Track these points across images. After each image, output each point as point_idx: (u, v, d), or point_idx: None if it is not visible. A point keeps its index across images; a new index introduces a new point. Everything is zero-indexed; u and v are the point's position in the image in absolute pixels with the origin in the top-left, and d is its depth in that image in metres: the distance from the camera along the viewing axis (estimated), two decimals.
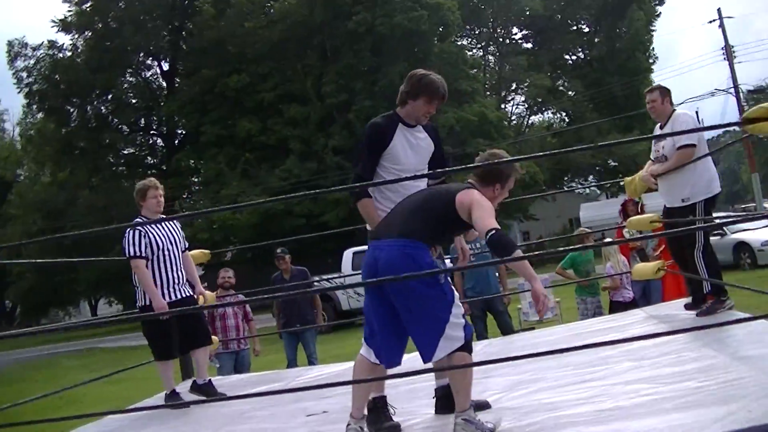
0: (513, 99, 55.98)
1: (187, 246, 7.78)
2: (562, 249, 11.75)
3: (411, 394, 5.88)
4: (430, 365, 4.78)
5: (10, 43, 45.92)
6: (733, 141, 17.74)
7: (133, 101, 47.53)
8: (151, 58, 47.39)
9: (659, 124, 7.43)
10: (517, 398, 5.54)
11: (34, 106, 47.04)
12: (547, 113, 57.62)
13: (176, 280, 7.39)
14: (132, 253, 7.19)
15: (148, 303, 7.25)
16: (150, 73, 48.31)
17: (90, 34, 45.01)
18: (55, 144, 45.29)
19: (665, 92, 7.61)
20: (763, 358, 5.03)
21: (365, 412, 4.95)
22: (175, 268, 7.39)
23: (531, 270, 4.57)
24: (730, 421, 3.87)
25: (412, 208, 4.83)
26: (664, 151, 7.33)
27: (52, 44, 46.00)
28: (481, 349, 8.37)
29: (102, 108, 46.81)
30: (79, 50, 45.84)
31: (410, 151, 5.39)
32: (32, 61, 46.10)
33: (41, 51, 46.17)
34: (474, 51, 53.38)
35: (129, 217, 26.37)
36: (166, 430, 6.74)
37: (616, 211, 43.71)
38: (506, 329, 10.86)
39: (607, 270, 10.76)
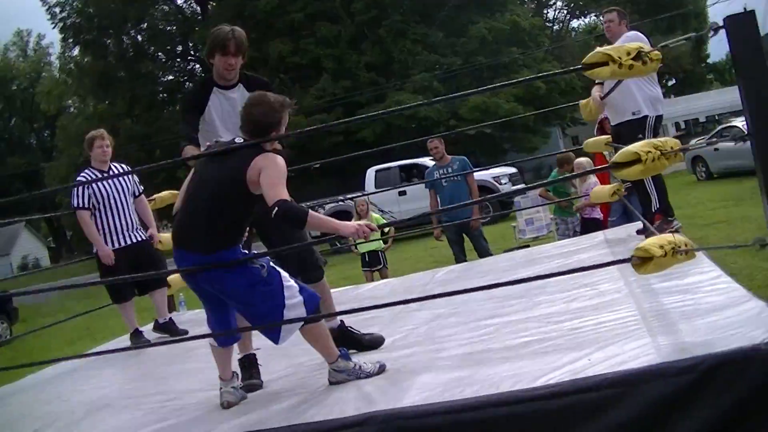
0: (554, 3, 54.91)
1: (141, 190, 7.99)
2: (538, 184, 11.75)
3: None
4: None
5: None
6: None
7: (169, 28, 47.53)
8: None
9: None
10: (421, 334, 5.69)
11: (70, 40, 47.26)
12: (590, 17, 56.43)
13: (125, 227, 7.70)
14: (75, 205, 7.55)
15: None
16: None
17: None
18: (94, 76, 45.61)
19: (622, 14, 7.65)
20: (667, 292, 5.05)
21: (233, 371, 5.01)
22: (123, 215, 7.67)
23: (331, 223, 4.45)
24: (566, 371, 3.87)
25: (204, 214, 4.52)
26: None
27: None
28: (441, 276, 8.55)
29: (138, 37, 46.99)
30: None
31: (222, 113, 5.38)
32: None
33: None
34: None
35: (170, 145, 26.84)
36: (118, 370, 7.01)
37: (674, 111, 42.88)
38: (482, 252, 11.00)
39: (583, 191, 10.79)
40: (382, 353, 5.32)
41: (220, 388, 4.87)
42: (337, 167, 36.44)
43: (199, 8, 47.77)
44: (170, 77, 49.25)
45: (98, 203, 7.57)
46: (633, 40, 7.11)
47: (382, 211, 23.75)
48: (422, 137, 23.06)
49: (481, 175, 23.06)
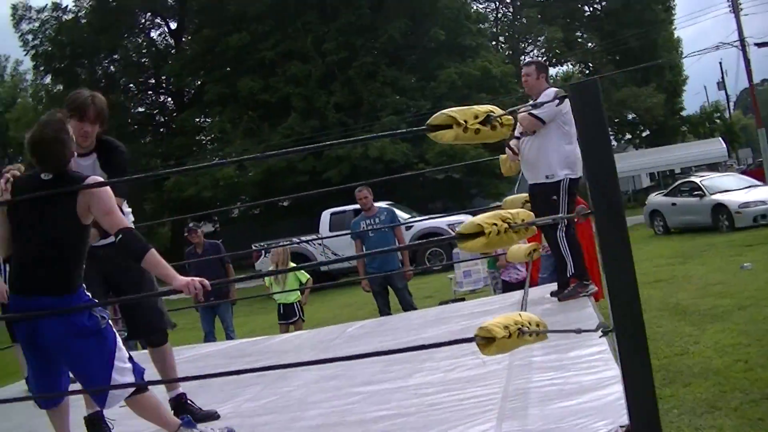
0: (531, 52, 55.16)
1: None
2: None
3: None
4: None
5: (14, 7, 45.83)
6: None
7: (142, 60, 47.41)
8: (159, 18, 47.13)
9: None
10: (292, 398, 5.52)
11: (41, 68, 47.00)
12: (566, 65, 56.84)
13: None
14: None
15: None
16: (158, 32, 48.15)
17: None
18: (63, 105, 45.22)
19: (541, 68, 7.40)
20: (543, 367, 4.84)
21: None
22: None
23: (167, 270, 4.16)
24: None
25: (41, 252, 4.21)
26: (521, 128, 7.10)
27: (56, 6, 46.00)
28: (352, 330, 8.33)
29: (110, 68, 46.84)
30: (82, 12, 45.78)
31: None
32: (37, 24, 46.09)
33: (45, 13, 46.17)
34: (485, 3, 52.48)
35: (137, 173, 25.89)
36: None
37: (627, 165, 43.09)
38: (406, 305, 10.77)
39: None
40: (244, 418, 5.15)
41: None
42: (303, 207, 36.43)
43: (172, 41, 47.60)
44: (141, 109, 48.99)
45: None
46: (548, 94, 6.89)
47: (335, 254, 23.53)
48: (386, 177, 23.24)
49: (435, 222, 22.93)
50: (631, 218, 28.93)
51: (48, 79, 48.37)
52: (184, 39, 47.16)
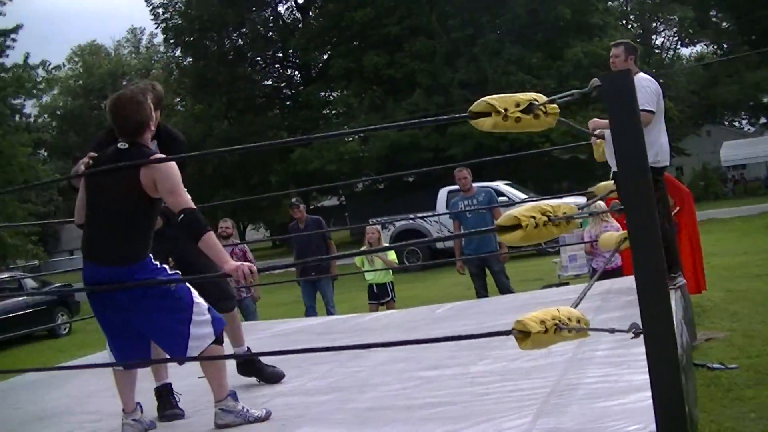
0: (662, 32, 53.78)
1: None
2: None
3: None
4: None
5: None
6: None
7: (269, 34, 47.97)
8: None
9: None
10: (357, 379, 5.54)
11: (172, 41, 48.08)
12: (699, 46, 55.27)
13: None
14: None
15: None
16: (286, 6, 48.70)
17: None
18: (193, 77, 46.42)
19: (630, 50, 7.07)
20: (601, 362, 4.74)
21: (136, 403, 4.82)
22: None
23: (220, 254, 4.23)
24: None
25: (108, 221, 4.37)
26: None
27: None
28: (441, 312, 8.32)
29: (239, 41, 47.54)
30: None
31: None
32: None
33: None
34: None
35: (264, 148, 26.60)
36: (88, 381, 6.90)
37: (762, 151, 41.66)
38: (502, 288, 10.66)
39: (585, 236, 10.31)
40: (304, 396, 5.24)
41: (122, 420, 4.72)
42: (427, 183, 36.33)
43: (299, 15, 48.04)
44: (268, 82, 49.65)
45: None
46: (642, 84, 6.65)
47: (450, 232, 23.44)
48: (510, 155, 23.01)
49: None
50: (761, 206, 28.03)
51: (178, 52, 49.48)
52: (310, 13, 47.49)
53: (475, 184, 11.38)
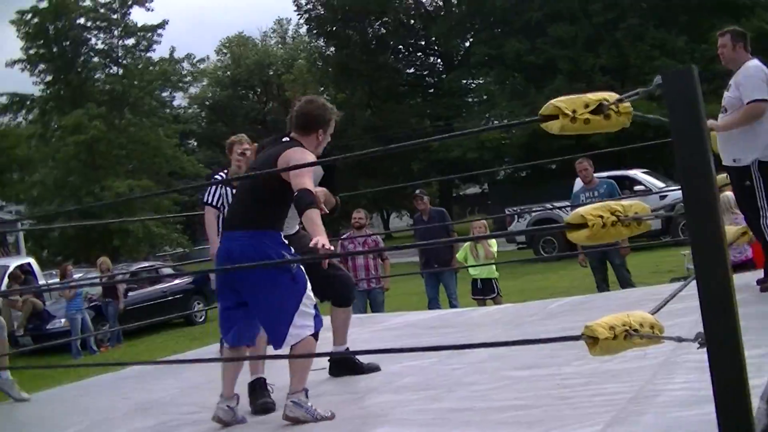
0: None
1: None
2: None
3: None
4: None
5: None
6: None
7: (411, 22, 48.07)
8: None
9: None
10: (449, 378, 5.51)
11: (314, 31, 48.72)
12: None
13: None
14: (204, 200, 7.73)
15: None
16: None
17: None
18: (336, 66, 46.96)
19: (738, 36, 6.76)
20: (693, 367, 4.59)
21: (235, 393, 5.02)
22: None
23: (318, 229, 4.48)
24: None
25: (248, 195, 4.95)
26: (724, 102, 6.63)
27: None
28: (554, 307, 8.21)
29: (381, 30, 47.80)
30: None
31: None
32: None
33: None
34: None
35: (406, 137, 27.50)
36: (196, 373, 7.08)
37: None
38: (622, 282, 10.47)
39: None
40: (393, 394, 5.28)
41: (218, 403, 4.93)
42: (570, 170, 35.69)
43: (441, 2, 47.98)
44: (410, 70, 49.80)
45: (228, 204, 7.53)
46: (749, 72, 6.38)
47: None
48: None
49: (677, 194, 21.79)
50: None
51: (321, 42, 50.15)
52: (452, 0, 47.38)
53: (604, 174, 11.21)
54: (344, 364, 5.95)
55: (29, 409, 6.72)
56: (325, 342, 6.33)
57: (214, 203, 7.59)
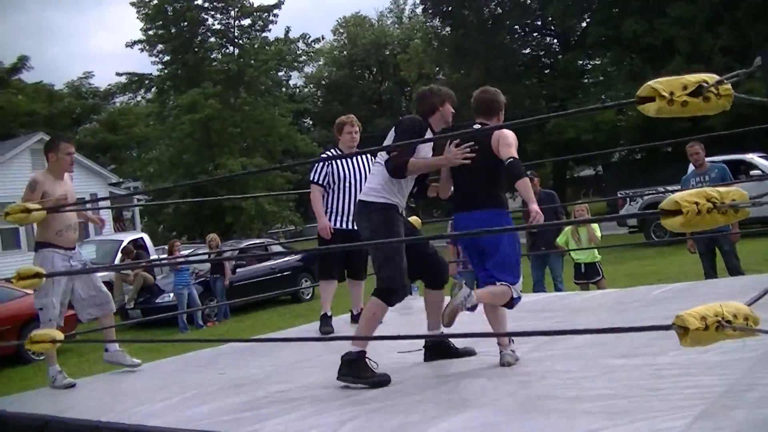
0: None
1: None
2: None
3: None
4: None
5: None
6: None
7: (528, 2, 47.52)
8: None
9: None
10: (543, 365, 5.51)
11: (430, 11, 48.58)
12: None
13: (349, 212, 7.87)
14: (311, 179, 7.97)
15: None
16: None
17: None
18: (452, 46, 46.80)
19: None
20: None
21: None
22: (351, 201, 7.83)
23: (530, 194, 5.38)
24: None
25: (481, 174, 5.63)
26: None
27: None
28: (657, 293, 8.04)
29: (498, 9, 47.34)
30: None
31: (427, 153, 5.92)
32: None
33: None
34: None
35: (521, 116, 27.37)
36: (291, 352, 7.14)
37: None
38: (731, 269, 10.18)
39: None
40: (481, 379, 5.29)
41: (500, 352, 5.56)
42: (685, 154, 34.85)
43: None
44: (526, 51, 49.27)
45: (333, 183, 7.94)
46: None
47: None
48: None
49: None
50: None
51: (437, 21, 49.98)
52: None
53: (718, 158, 10.92)
54: (439, 349, 5.99)
55: (129, 380, 6.87)
56: (421, 324, 6.32)
57: (320, 181, 7.84)
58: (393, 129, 5.85)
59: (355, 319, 8.15)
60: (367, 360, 5.40)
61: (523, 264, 13.72)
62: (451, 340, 6.00)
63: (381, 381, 5.33)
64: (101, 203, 18.30)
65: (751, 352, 4.64)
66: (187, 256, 18.21)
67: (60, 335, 6.13)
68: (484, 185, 5.64)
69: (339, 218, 7.96)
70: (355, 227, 7.60)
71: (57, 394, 6.57)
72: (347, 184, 7.94)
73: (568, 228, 11.46)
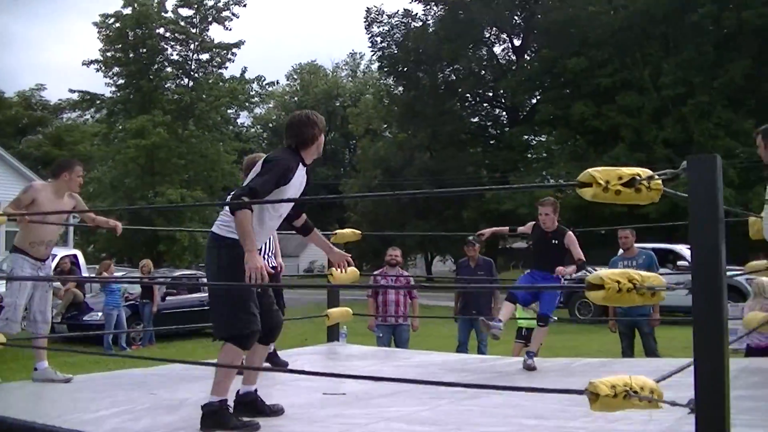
0: None
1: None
2: None
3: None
4: None
5: (368, 9, 48.64)
6: None
7: (482, 72, 48.48)
8: (504, 33, 48.05)
9: None
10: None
11: (386, 69, 49.44)
12: None
13: (268, 250, 7.92)
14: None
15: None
16: (502, 47, 49.17)
17: (442, 6, 46.93)
18: (402, 106, 47.49)
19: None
20: None
21: None
22: (270, 240, 7.85)
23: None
24: None
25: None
26: None
27: (407, 13, 48.51)
28: (577, 365, 8.36)
29: (451, 76, 48.26)
30: (430, 20, 47.91)
31: (297, 190, 5.42)
32: (387, 28, 48.65)
33: (396, 18, 48.73)
34: None
35: (461, 183, 27.56)
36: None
37: None
38: (648, 351, 10.63)
39: (745, 309, 9.98)
40: (401, 423, 5.44)
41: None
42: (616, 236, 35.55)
43: (514, 57, 48.41)
44: (474, 119, 50.18)
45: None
46: None
47: None
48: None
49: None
50: None
51: (390, 80, 50.82)
52: (525, 56, 47.84)
53: (648, 245, 11.37)
54: (249, 405, 5.59)
55: (60, 392, 6.97)
56: (347, 369, 6.56)
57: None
58: (261, 162, 5.31)
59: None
60: (228, 408, 5.21)
61: (452, 326, 14.03)
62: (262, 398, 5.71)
63: (251, 426, 5.15)
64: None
65: (656, 426, 4.98)
66: (120, 278, 18.26)
67: (3, 338, 6.35)
68: None
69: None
70: (271, 265, 7.85)
71: None
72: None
73: None
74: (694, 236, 3.39)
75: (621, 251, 11.51)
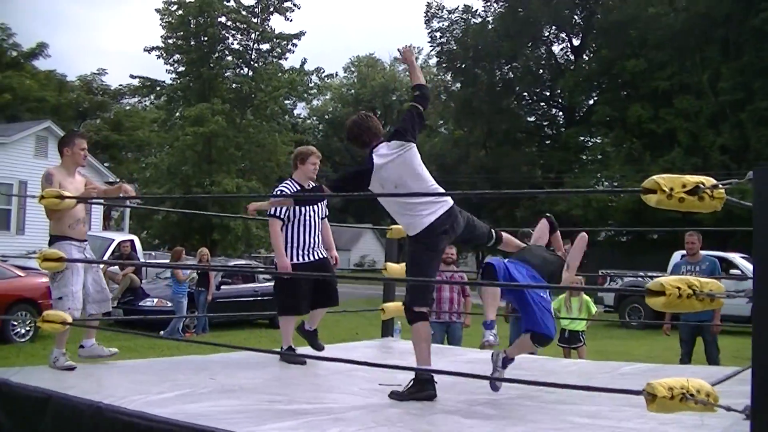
0: None
1: (327, 214, 8.26)
2: None
3: None
4: None
5: (428, 4, 48.47)
6: None
7: (540, 71, 48.29)
8: (563, 32, 47.81)
9: None
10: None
11: (444, 65, 49.49)
12: None
13: (312, 244, 7.90)
14: (271, 212, 7.80)
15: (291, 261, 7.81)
16: (560, 47, 48.94)
17: (502, 3, 46.84)
18: (459, 103, 47.41)
19: None
20: None
21: None
22: (312, 233, 7.90)
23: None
24: None
25: None
26: None
27: (467, 9, 48.22)
28: (626, 369, 8.38)
29: (509, 74, 48.14)
30: (490, 17, 47.75)
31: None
32: (446, 23, 48.46)
33: (456, 14, 48.47)
34: None
35: (515, 182, 27.68)
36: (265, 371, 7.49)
37: None
38: (710, 359, 10.63)
39: None
40: (444, 414, 5.48)
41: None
42: (674, 242, 35.21)
43: (572, 57, 48.12)
44: (531, 118, 50.01)
45: (294, 216, 7.81)
46: None
47: None
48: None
49: None
50: None
51: (448, 76, 50.78)
52: (584, 56, 47.56)
53: (705, 252, 11.35)
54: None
55: (122, 371, 7.16)
56: (401, 362, 6.65)
57: (280, 215, 7.76)
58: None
59: (304, 331, 8.24)
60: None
61: (502, 325, 14.11)
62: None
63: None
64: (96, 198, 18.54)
65: (707, 430, 5.04)
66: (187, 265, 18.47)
67: (70, 318, 6.54)
68: None
69: (302, 251, 7.85)
70: (318, 257, 7.93)
71: (57, 372, 6.83)
72: (307, 217, 7.87)
73: (562, 296, 11.84)
74: (758, 246, 3.46)
75: (679, 255, 11.49)
